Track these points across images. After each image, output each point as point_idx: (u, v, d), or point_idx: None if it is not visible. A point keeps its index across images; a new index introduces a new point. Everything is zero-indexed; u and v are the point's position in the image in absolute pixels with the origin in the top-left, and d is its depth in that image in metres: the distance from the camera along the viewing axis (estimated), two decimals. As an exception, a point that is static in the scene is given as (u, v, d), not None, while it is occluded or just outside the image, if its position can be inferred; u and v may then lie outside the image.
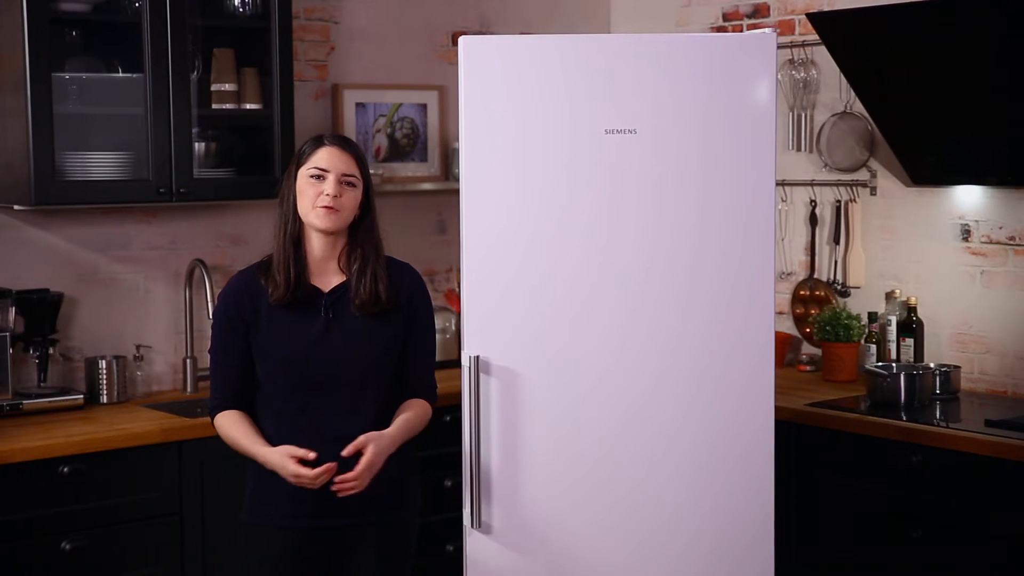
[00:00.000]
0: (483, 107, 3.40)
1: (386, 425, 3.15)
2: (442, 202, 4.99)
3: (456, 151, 4.69)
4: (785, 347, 4.84)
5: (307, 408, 3.11)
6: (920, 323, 4.48)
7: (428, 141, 4.98)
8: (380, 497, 3.17)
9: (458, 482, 3.56)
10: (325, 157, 3.14)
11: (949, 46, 3.96)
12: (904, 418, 3.98)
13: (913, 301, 4.50)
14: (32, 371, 4.14)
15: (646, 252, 3.46)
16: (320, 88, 4.76)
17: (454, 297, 4.87)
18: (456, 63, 3.42)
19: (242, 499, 3.23)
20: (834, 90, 4.67)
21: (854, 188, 4.68)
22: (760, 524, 3.55)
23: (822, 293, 4.80)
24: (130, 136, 4.10)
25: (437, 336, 4.45)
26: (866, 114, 4.49)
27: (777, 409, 3.57)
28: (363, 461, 3.05)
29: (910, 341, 4.48)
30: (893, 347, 4.51)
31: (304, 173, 3.15)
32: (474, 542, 3.45)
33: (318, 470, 3.02)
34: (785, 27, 4.84)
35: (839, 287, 4.76)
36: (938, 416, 4.04)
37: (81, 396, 4.12)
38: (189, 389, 4.40)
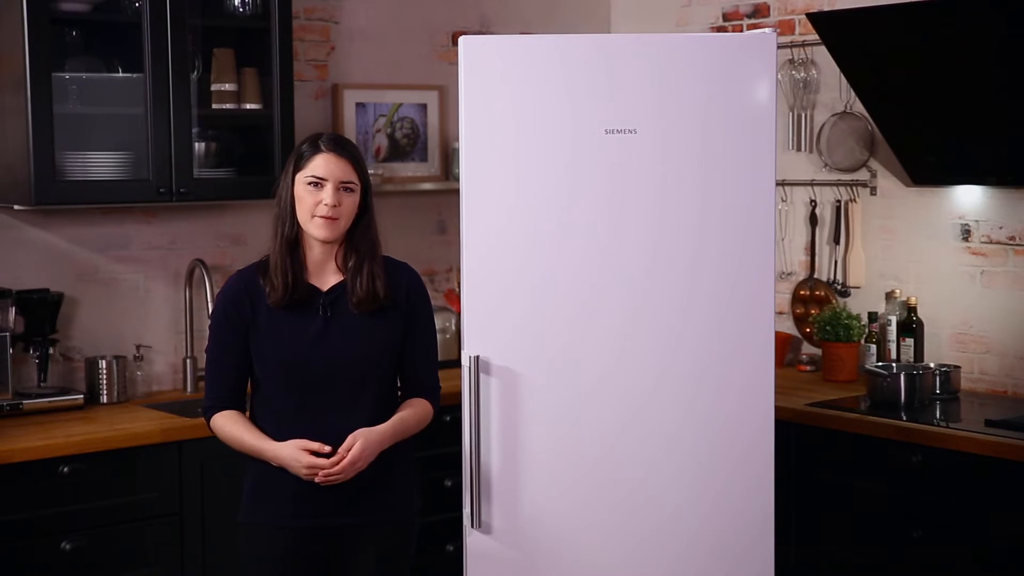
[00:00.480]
0: (483, 107, 3.40)
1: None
2: (442, 202, 4.99)
3: (456, 151, 4.69)
4: (785, 347, 4.84)
5: (306, 407, 3.11)
6: (920, 323, 4.48)
7: (428, 141, 4.98)
8: (380, 497, 3.17)
9: (458, 482, 3.56)
10: (323, 164, 3.12)
11: (949, 46, 3.96)
12: (904, 418, 3.98)
13: (913, 301, 4.50)
14: (32, 371, 4.14)
15: (646, 252, 3.46)
16: (320, 88, 4.76)
17: (454, 297, 4.87)
18: (456, 63, 3.42)
19: (241, 499, 3.23)
20: (834, 90, 4.68)
21: (854, 188, 4.68)
22: (760, 524, 3.55)
23: (822, 293, 4.80)
24: (130, 136, 4.10)
25: (438, 336, 4.47)
26: (866, 114, 4.49)
27: (777, 409, 3.57)
28: (348, 456, 3.05)
29: (910, 341, 4.48)
30: (893, 347, 4.51)
31: (302, 180, 3.13)
32: (474, 542, 3.45)
33: (333, 460, 3.03)
34: (785, 27, 4.84)
35: (839, 287, 4.76)
36: (938, 416, 4.04)
37: (81, 396, 4.13)
38: (189, 389, 4.40)
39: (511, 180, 3.44)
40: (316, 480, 3.05)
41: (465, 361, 3.40)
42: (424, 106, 4.97)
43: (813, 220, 4.81)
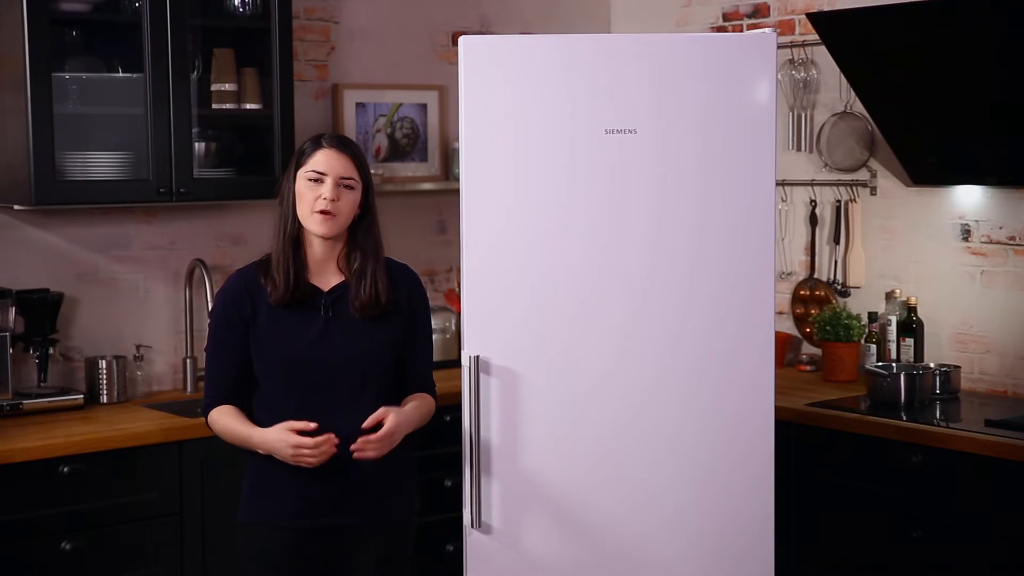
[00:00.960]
0: (483, 107, 3.40)
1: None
2: (442, 202, 4.99)
3: (456, 151, 4.69)
4: (785, 347, 4.84)
5: (305, 407, 3.11)
6: (920, 323, 4.48)
7: (428, 141, 4.98)
8: (378, 497, 3.17)
9: (458, 482, 3.56)
10: (323, 160, 3.13)
11: (949, 46, 3.96)
12: (904, 418, 3.98)
13: (913, 301, 4.50)
14: (32, 371, 4.14)
15: (646, 252, 3.46)
16: (320, 88, 4.76)
17: (454, 297, 4.87)
18: (456, 63, 3.42)
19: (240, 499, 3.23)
20: (834, 90, 4.68)
21: (854, 188, 4.68)
22: (760, 524, 3.55)
23: (822, 293, 4.80)
24: (130, 136, 4.10)
25: (437, 336, 4.49)
26: (866, 114, 4.49)
27: (777, 409, 3.57)
28: (385, 428, 3.05)
29: (910, 341, 4.48)
30: (893, 347, 4.51)
31: (302, 176, 3.14)
32: (474, 542, 3.45)
33: (318, 439, 3.01)
34: (785, 27, 4.84)
35: (839, 287, 4.76)
36: (938, 416, 4.04)
37: (81, 396, 4.13)
38: (189, 389, 4.40)
39: (511, 180, 3.44)
40: (351, 448, 3.04)
41: (465, 361, 3.40)
42: (424, 106, 4.97)
43: (813, 220, 4.81)
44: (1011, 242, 4.29)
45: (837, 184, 4.72)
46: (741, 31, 4.95)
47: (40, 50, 3.86)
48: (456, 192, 3.52)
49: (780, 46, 4.56)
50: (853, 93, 4.47)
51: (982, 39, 3.90)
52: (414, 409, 3.20)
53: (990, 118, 4.05)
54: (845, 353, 4.53)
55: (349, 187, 3.14)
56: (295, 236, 3.17)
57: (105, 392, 4.21)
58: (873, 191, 4.64)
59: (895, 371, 4.23)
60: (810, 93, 4.76)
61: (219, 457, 3.75)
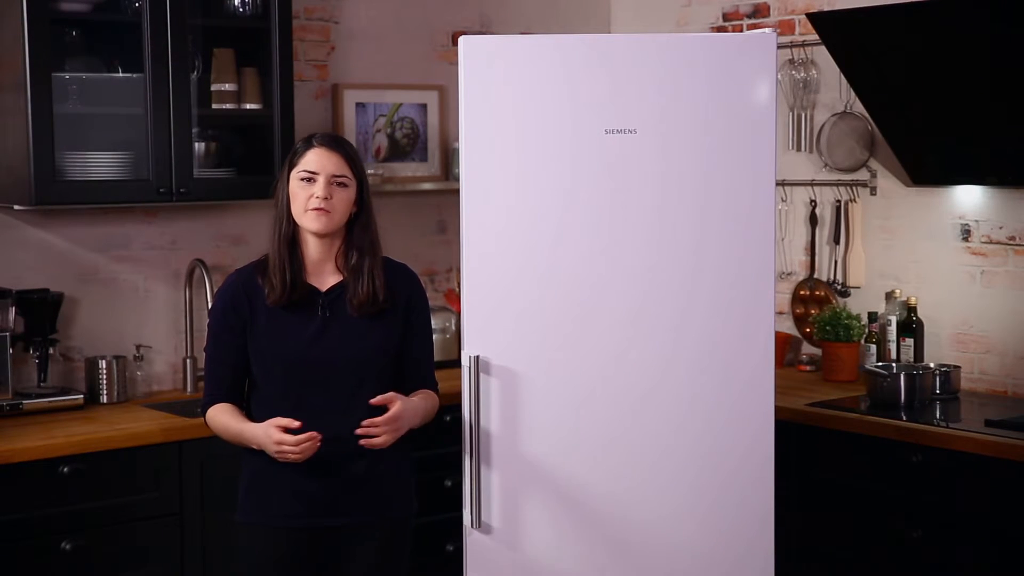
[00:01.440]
0: (483, 107, 3.40)
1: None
2: (442, 202, 4.99)
3: (456, 151, 4.69)
4: (785, 347, 4.84)
5: (303, 407, 3.11)
6: (920, 323, 4.48)
7: (428, 141, 4.98)
8: (376, 497, 3.17)
9: (458, 482, 3.56)
10: (314, 159, 3.14)
11: (949, 46, 3.96)
12: (904, 418, 3.98)
13: (913, 301, 4.50)
14: (32, 371, 4.14)
15: (646, 252, 3.46)
16: (320, 88, 4.76)
17: (454, 297, 4.87)
18: (456, 63, 3.42)
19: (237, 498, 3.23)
20: (834, 90, 4.68)
21: (854, 188, 4.68)
22: (760, 524, 3.55)
23: (822, 293, 4.80)
24: (130, 136, 4.10)
25: (437, 336, 4.48)
26: (866, 114, 4.49)
27: (777, 409, 3.57)
28: (391, 411, 3.06)
29: (910, 341, 4.48)
30: (893, 347, 4.51)
31: (295, 176, 3.15)
32: (474, 542, 3.45)
33: (300, 437, 3.01)
34: (785, 27, 4.84)
35: (839, 287, 4.76)
36: (938, 416, 4.04)
37: (81, 396, 4.13)
38: (189, 389, 4.40)
39: (511, 180, 3.44)
40: (357, 433, 3.04)
41: (465, 361, 3.40)
42: (424, 106, 4.97)
43: (813, 220, 4.81)
44: (1011, 242, 4.29)
45: (837, 184, 4.72)
46: (741, 31, 4.94)
47: (40, 50, 3.86)
48: (456, 192, 3.52)
49: (780, 46, 4.56)
50: (853, 93, 4.47)
51: (982, 39, 3.90)
52: (421, 400, 3.21)
53: (990, 118, 4.05)
54: (845, 353, 4.53)
55: (342, 184, 3.14)
56: (290, 237, 3.17)
57: (105, 392, 4.21)
58: (873, 191, 4.64)
59: (895, 371, 4.23)
60: (810, 93, 4.76)
61: (219, 457, 3.75)
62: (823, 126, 4.71)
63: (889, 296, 4.60)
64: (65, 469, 3.68)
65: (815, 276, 4.83)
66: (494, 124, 3.41)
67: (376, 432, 3.06)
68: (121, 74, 4.14)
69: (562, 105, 3.43)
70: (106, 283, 4.35)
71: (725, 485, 3.53)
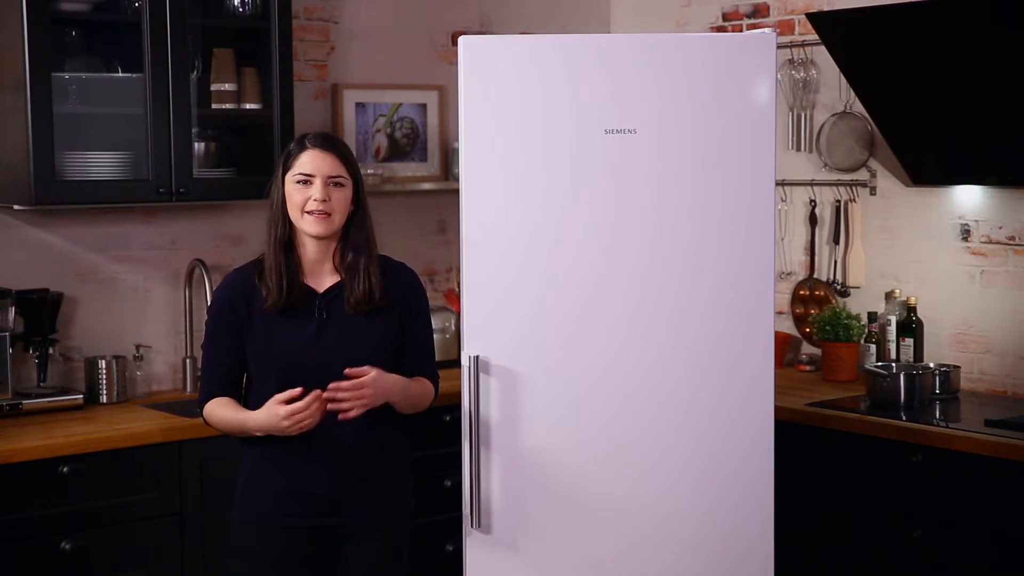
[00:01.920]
0: (483, 107, 3.40)
1: (380, 423, 3.16)
2: (442, 202, 4.99)
3: (456, 151, 4.69)
4: (785, 347, 4.84)
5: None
6: (920, 323, 4.48)
7: (428, 141, 4.98)
8: (374, 496, 3.17)
9: (458, 482, 3.56)
10: (309, 161, 3.13)
11: (949, 46, 3.96)
12: (904, 418, 3.98)
13: (913, 301, 4.50)
14: (32, 371, 4.14)
15: (646, 252, 3.46)
16: (320, 88, 4.76)
17: (454, 297, 4.87)
18: (456, 63, 3.42)
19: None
20: (834, 90, 4.68)
21: (854, 188, 4.68)
22: (760, 524, 3.55)
23: (822, 293, 4.80)
24: (130, 136, 4.10)
25: (437, 336, 4.48)
26: (866, 114, 4.49)
27: (777, 409, 3.57)
28: (356, 380, 3.02)
29: (910, 341, 4.48)
30: (893, 347, 4.51)
31: (291, 179, 3.14)
32: (474, 542, 3.45)
33: (307, 399, 3.00)
34: (785, 27, 4.84)
35: (839, 287, 4.76)
36: (938, 416, 4.04)
37: (81, 396, 4.12)
38: (189, 389, 4.40)
39: (511, 180, 3.44)
40: (325, 397, 3.01)
41: (465, 361, 3.40)
42: (424, 106, 4.97)
43: (813, 220, 4.81)
44: (1011, 242, 4.29)
45: (837, 184, 4.72)
46: (741, 31, 4.94)
47: (40, 50, 3.86)
48: (456, 192, 3.52)
49: (780, 46, 4.56)
50: (853, 93, 4.47)
51: (981, 39, 3.90)
52: (404, 379, 3.17)
53: (990, 118, 4.05)
54: (845, 353, 4.53)
55: (339, 185, 3.14)
56: (286, 240, 3.16)
57: (105, 392, 4.21)
58: (873, 191, 4.64)
59: (895, 371, 4.23)
60: (810, 93, 4.76)
61: (219, 457, 3.75)
62: (823, 126, 4.71)
63: (889, 296, 4.60)
64: (65, 469, 3.68)
65: (815, 276, 4.83)
66: (494, 124, 3.41)
67: (342, 396, 3.02)
68: (121, 74, 4.14)
69: (562, 105, 3.43)
70: (106, 283, 4.35)
71: (725, 485, 3.53)
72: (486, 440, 3.42)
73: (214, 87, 4.29)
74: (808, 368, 4.74)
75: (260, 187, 4.00)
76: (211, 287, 4.25)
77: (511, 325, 3.44)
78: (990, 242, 4.34)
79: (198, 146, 4.21)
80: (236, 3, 4.28)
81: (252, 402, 3.18)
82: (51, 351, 4.14)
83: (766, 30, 3.49)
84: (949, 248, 4.45)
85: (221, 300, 3.20)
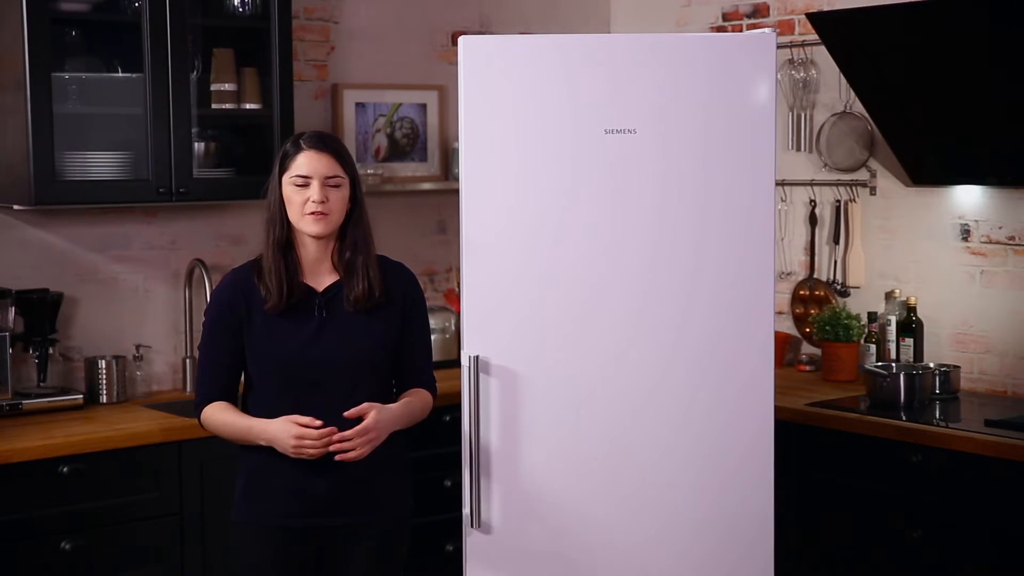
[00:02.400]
0: (483, 107, 3.40)
1: (380, 423, 3.16)
2: (442, 202, 4.99)
3: (456, 151, 4.69)
4: (785, 347, 4.84)
5: (300, 406, 3.10)
6: (920, 323, 4.48)
7: (428, 141, 4.98)
8: (372, 496, 3.17)
9: (458, 482, 3.56)
10: (305, 163, 3.12)
11: (948, 46, 3.96)
12: (904, 418, 3.98)
13: (913, 301, 4.50)
14: (32, 371, 4.14)
15: (646, 252, 3.46)
16: (320, 88, 4.76)
17: (454, 297, 4.87)
18: (456, 63, 3.42)
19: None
20: (834, 90, 4.68)
21: (854, 188, 4.68)
22: (760, 524, 3.55)
23: (822, 293, 4.80)
24: (130, 136, 4.10)
25: (437, 336, 4.48)
26: (866, 114, 4.49)
27: (777, 409, 3.57)
28: (363, 424, 3.04)
29: (910, 341, 4.48)
30: (893, 347, 4.51)
31: (288, 181, 3.13)
32: (474, 542, 3.45)
33: (322, 431, 3.01)
34: (785, 27, 4.84)
35: (839, 287, 4.76)
36: (938, 416, 4.04)
37: (81, 396, 4.13)
38: (189, 389, 4.40)
39: (511, 180, 3.43)
40: (332, 448, 3.02)
41: (465, 361, 3.40)
42: (424, 106, 4.97)
43: (813, 220, 4.81)
44: (1011, 242, 4.29)
45: (837, 184, 4.72)
46: (741, 31, 4.94)
47: (40, 50, 3.86)
48: (456, 192, 3.52)
49: (780, 46, 4.56)
50: (853, 93, 4.47)
51: (981, 39, 3.90)
52: (403, 406, 3.18)
53: (990, 118, 4.05)
54: (845, 353, 4.53)
55: (336, 185, 3.14)
56: (285, 240, 3.15)
57: (105, 392, 4.21)
58: (873, 191, 4.64)
59: (895, 371, 4.23)
60: (810, 93, 4.76)
61: (219, 457, 3.75)
62: (823, 126, 4.71)
63: (889, 296, 4.60)
64: (65, 469, 3.68)
65: (815, 276, 4.83)
66: (494, 124, 3.41)
67: (349, 446, 3.05)
68: (121, 74, 4.14)
69: (562, 105, 3.43)
70: (106, 283, 4.35)
71: (725, 485, 3.52)
72: (486, 440, 3.42)
73: (214, 87, 4.30)
74: (808, 368, 4.74)
75: (260, 187, 4.00)
76: (211, 287, 4.25)
77: (511, 325, 3.44)
78: (990, 242, 4.34)
79: (198, 146, 4.22)
80: (236, 3, 4.28)
81: (251, 404, 3.18)
82: (51, 351, 4.14)
83: (766, 30, 3.49)
84: (949, 248, 4.45)
85: (220, 300, 3.20)
